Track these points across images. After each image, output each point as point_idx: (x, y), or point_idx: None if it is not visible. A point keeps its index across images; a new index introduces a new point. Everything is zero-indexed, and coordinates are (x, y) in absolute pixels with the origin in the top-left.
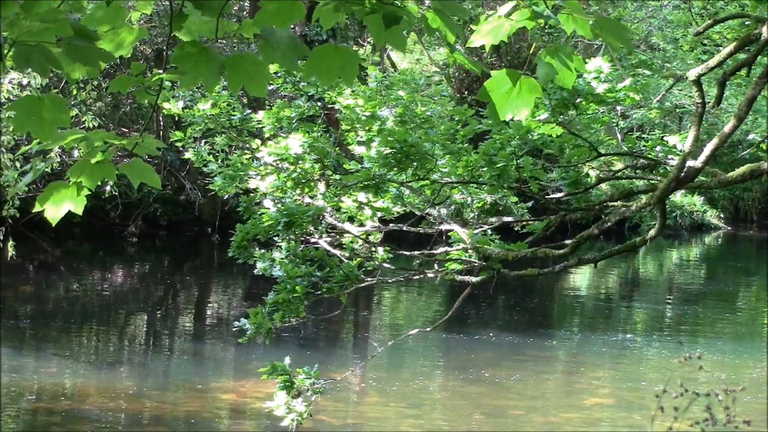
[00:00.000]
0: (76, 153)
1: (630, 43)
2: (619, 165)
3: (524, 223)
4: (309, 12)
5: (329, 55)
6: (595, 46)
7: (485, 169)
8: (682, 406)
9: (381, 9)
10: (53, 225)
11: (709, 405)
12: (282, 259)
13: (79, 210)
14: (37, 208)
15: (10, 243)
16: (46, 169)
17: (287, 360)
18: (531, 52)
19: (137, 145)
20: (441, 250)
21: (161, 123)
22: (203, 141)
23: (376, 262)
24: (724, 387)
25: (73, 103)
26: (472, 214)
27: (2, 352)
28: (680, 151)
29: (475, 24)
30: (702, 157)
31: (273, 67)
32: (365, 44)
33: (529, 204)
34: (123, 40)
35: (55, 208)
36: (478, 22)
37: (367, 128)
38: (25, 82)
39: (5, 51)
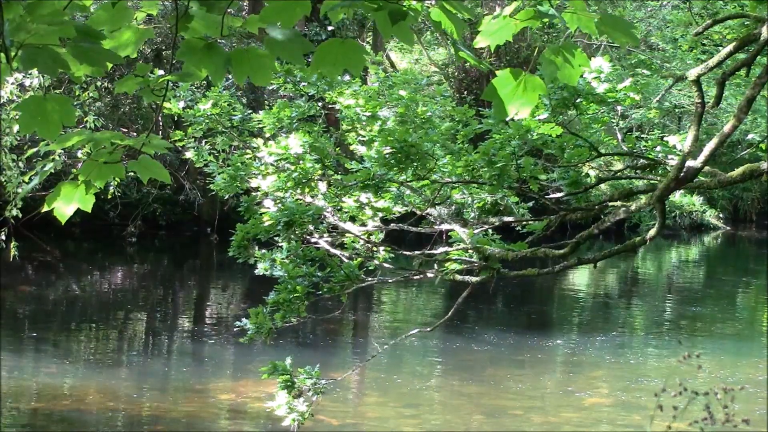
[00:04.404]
0: (79, 153)
1: (636, 39)
2: (618, 165)
3: (524, 223)
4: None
5: (335, 48)
6: (595, 46)
7: (485, 168)
8: (681, 405)
9: (387, 6)
10: (63, 223)
11: (708, 404)
12: (283, 259)
13: (87, 208)
14: (45, 208)
15: (13, 243)
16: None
17: (288, 360)
18: (533, 52)
19: (145, 144)
20: (441, 250)
21: (160, 123)
22: (204, 141)
23: (377, 262)
24: (723, 386)
25: (75, 103)
26: (472, 214)
27: (2, 352)
28: (680, 151)
29: (475, 24)
30: (701, 157)
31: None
32: (364, 44)
33: (530, 204)
34: (128, 40)
35: (64, 207)
36: (479, 22)
37: (368, 128)
38: (27, 82)
39: (12, 53)
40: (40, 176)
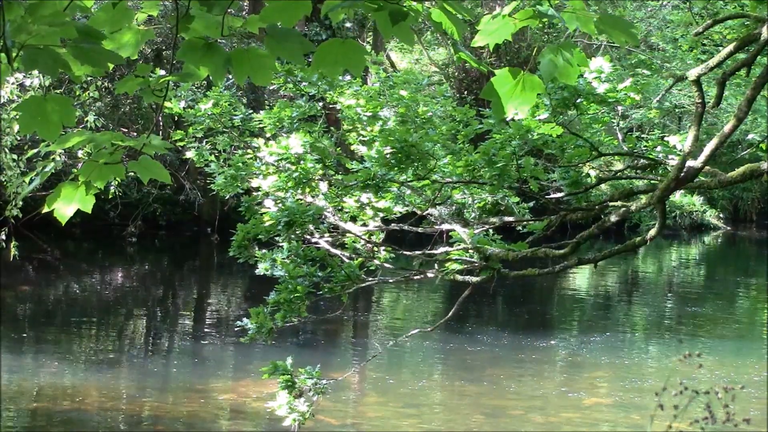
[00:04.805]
0: (79, 152)
1: (635, 38)
2: (619, 165)
3: (525, 223)
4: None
5: (336, 48)
6: (595, 46)
7: (485, 168)
8: (682, 404)
9: (387, 7)
10: (63, 224)
11: (708, 403)
12: (283, 259)
13: (87, 209)
14: (46, 209)
15: (13, 243)
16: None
17: (289, 360)
18: (533, 52)
19: (145, 145)
20: (441, 250)
21: (160, 123)
22: (204, 141)
23: (378, 262)
24: (723, 385)
25: (75, 103)
26: (472, 214)
27: (2, 352)
28: (680, 151)
29: (475, 25)
30: (702, 157)
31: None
32: (364, 44)
33: (530, 204)
34: (129, 42)
35: (65, 208)
36: (479, 22)
37: (369, 129)
38: (27, 82)
39: (13, 54)
40: (41, 177)
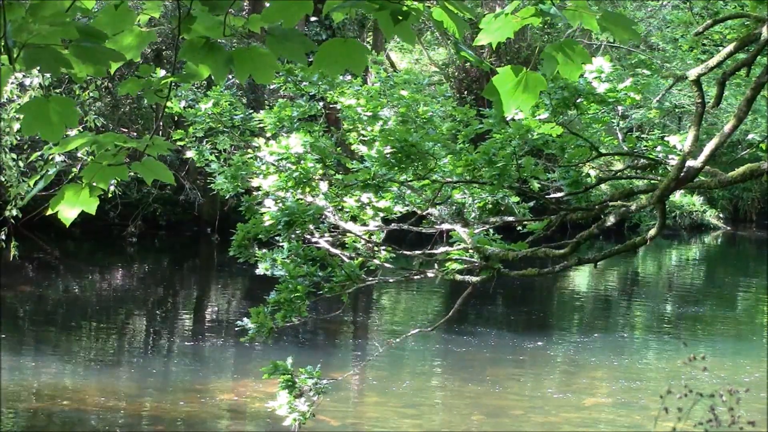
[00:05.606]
0: (79, 153)
1: (638, 35)
2: (619, 165)
3: (525, 222)
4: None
5: (337, 48)
6: (595, 46)
7: (486, 168)
8: (686, 407)
9: (389, 6)
10: (67, 226)
11: (712, 406)
12: (284, 258)
13: (92, 210)
14: (50, 211)
15: (13, 243)
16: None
17: (289, 360)
18: (533, 52)
19: (149, 146)
20: (441, 249)
21: (160, 123)
22: (205, 140)
23: (378, 262)
24: (728, 388)
25: (75, 103)
26: (473, 214)
27: (2, 352)
28: (680, 151)
29: (476, 24)
30: (702, 157)
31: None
32: (364, 44)
33: (530, 204)
34: (130, 44)
35: (69, 210)
36: (479, 22)
37: (369, 128)
38: (27, 82)
39: (15, 53)
40: (45, 180)
